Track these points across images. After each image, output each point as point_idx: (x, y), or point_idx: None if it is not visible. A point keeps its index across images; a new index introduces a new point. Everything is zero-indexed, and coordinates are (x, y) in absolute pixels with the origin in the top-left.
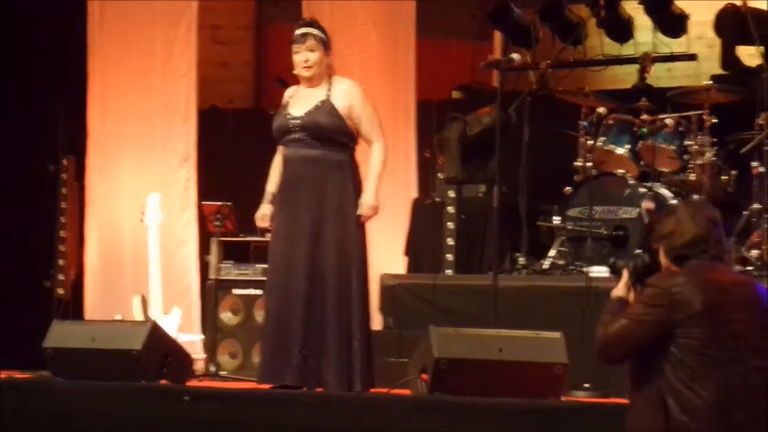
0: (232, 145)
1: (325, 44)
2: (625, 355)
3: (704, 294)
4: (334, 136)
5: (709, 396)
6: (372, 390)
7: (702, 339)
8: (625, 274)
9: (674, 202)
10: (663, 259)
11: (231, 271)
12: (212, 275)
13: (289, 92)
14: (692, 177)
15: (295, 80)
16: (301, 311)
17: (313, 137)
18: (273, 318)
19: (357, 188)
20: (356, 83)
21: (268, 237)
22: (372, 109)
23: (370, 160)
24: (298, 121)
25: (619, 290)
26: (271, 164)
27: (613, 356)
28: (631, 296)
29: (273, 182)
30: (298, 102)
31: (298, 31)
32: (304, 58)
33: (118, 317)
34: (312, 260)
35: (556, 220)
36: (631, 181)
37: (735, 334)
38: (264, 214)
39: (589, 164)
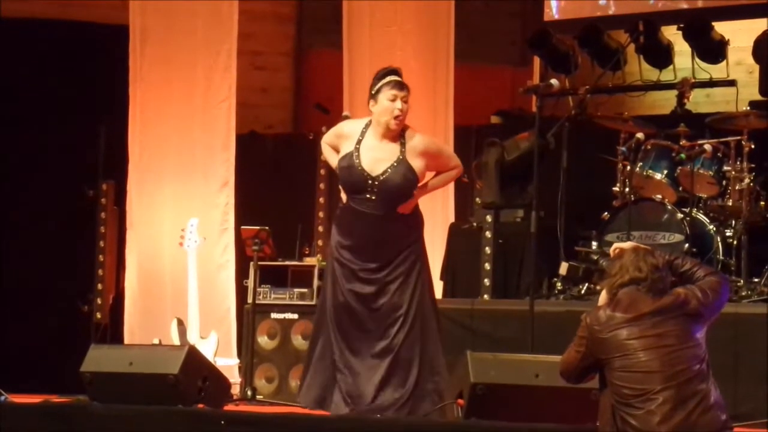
0: (270, 170)
1: None
2: (577, 377)
3: (619, 322)
4: (408, 192)
5: (641, 411)
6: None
7: (623, 361)
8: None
9: (711, 227)
10: (603, 295)
11: (268, 295)
12: (250, 299)
13: (353, 130)
14: (730, 203)
15: (334, 106)
16: (367, 344)
17: (386, 199)
18: (331, 350)
19: (421, 231)
20: (424, 135)
21: (305, 261)
22: (445, 148)
23: (445, 174)
24: (376, 183)
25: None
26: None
27: (568, 378)
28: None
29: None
30: (372, 155)
31: (394, 78)
32: (399, 105)
33: (156, 341)
34: (374, 298)
35: (594, 245)
36: (669, 207)
37: (655, 350)
38: None
39: (627, 189)
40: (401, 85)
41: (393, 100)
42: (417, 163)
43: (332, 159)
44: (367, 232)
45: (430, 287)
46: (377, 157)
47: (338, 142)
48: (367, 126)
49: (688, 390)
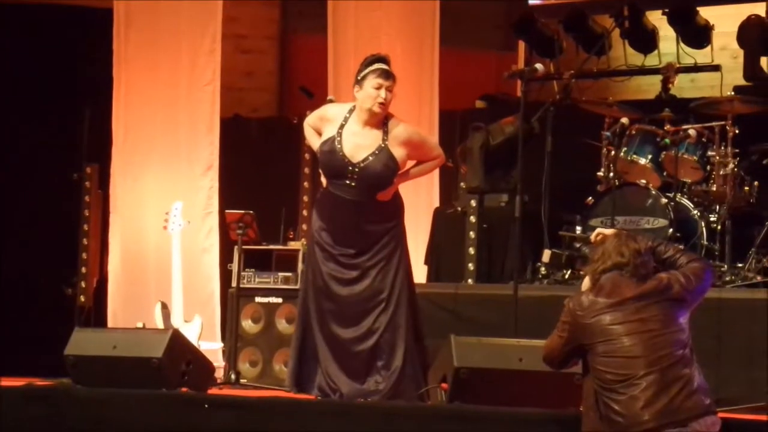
0: (255, 154)
1: None
2: (560, 362)
3: (601, 307)
4: (388, 181)
5: (623, 396)
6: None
7: (605, 346)
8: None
9: (695, 212)
10: (586, 280)
11: (253, 279)
12: (234, 283)
13: (336, 114)
14: (714, 187)
15: (318, 89)
16: (353, 331)
17: (366, 186)
18: (312, 330)
19: (401, 217)
20: (408, 125)
21: (290, 246)
22: (429, 139)
23: (426, 164)
24: (356, 170)
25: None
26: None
27: (551, 364)
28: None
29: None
30: (353, 141)
31: (381, 66)
32: (383, 95)
33: (140, 325)
34: (358, 281)
35: (578, 229)
36: (654, 192)
37: (638, 335)
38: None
39: (611, 174)
40: (387, 74)
41: (378, 89)
42: (399, 152)
43: (314, 141)
44: (347, 218)
45: (410, 272)
46: (359, 144)
47: (321, 125)
48: (351, 111)
49: (671, 375)
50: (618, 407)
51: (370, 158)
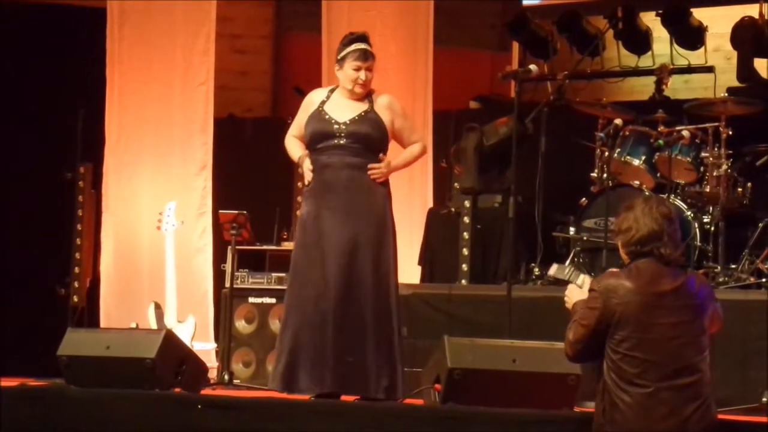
0: (249, 154)
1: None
2: (583, 355)
3: (639, 298)
4: (376, 145)
5: (632, 401)
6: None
7: (631, 342)
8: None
9: (689, 213)
10: (621, 253)
11: (246, 280)
12: (227, 283)
13: (319, 96)
14: (708, 189)
15: (312, 89)
16: (338, 320)
17: (356, 144)
18: (307, 329)
19: (390, 198)
20: (392, 96)
21: (284, 246)
22: (411, 119)
23: (410, 148)
24: (344, 127)
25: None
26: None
27: (573, 358)
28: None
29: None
30: (338, 109)
31: (359, 46)
32: (363, 75)
33: (133, 325)
34: (349, 270)
35: (572, 230)
36: (647, 193)
37: (665, 341)
38: (309, 166)
39: (605, 175)
40: (365, 55)
41: (357, 70)
42: (385, 116)
43: (295, 151)
44: (337, 186)
45: (396, 270)
46: (345, 111)
47: (305, 114)
48: (332, 91)
49: (688, 393)
50: (626, 409)
51: (357, 118)
